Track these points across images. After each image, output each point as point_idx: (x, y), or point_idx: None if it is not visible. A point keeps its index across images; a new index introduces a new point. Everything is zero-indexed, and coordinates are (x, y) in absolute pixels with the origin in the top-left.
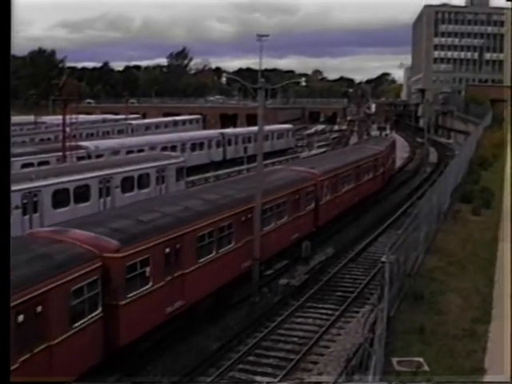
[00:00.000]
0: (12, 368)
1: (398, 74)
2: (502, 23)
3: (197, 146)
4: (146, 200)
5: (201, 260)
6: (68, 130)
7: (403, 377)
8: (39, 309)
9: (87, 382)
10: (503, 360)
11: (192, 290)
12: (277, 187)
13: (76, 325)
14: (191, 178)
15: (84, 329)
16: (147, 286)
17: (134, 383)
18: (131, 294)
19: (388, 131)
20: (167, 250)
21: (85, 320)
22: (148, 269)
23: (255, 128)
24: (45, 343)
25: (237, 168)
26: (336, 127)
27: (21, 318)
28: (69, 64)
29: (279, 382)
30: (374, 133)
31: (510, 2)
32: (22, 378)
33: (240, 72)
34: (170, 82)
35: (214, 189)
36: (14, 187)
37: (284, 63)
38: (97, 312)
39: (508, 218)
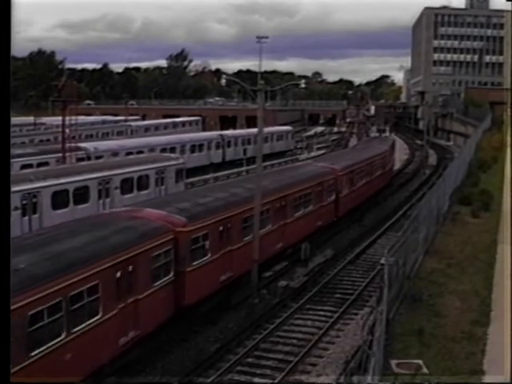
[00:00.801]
0: (111, 314)
1: (398, 77)
2: (501, 26)
3: (196, 147)
4: (199, 188)
5: (245, 239)
6: (67, 131)
7: (402, 378)
8: (130, 268)
9: (87, 382)
10: (503, 360)
11: (238, 264)
12: (305, 179)
13: (155, 284)
14: (190, 180)
15: (161, 288)
16: (206, 257)
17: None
18: (195, 263)
19: (387, 133)
20: (221, 227)
21: (162, 281)
22: (207, 243)
23: (254, 130)
24: (134, 296)
25: (236, 170)
26: (335, 129)
27: (118, 274)
28: (68, 65)
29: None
30: (373, 135)
31: (509, 4)
32: (21, 378)
33: (239, 74)
34: (170, 83)
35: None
36: (13, 188)
37: (284, 65)
38: (170, 276)
39: (508, 220)
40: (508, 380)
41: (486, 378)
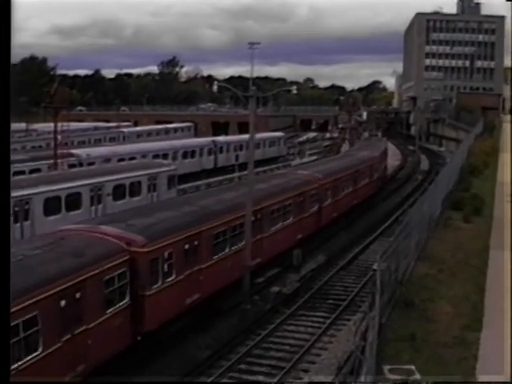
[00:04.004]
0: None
1: (390, 82)
2: (493, 31)
3: (188, 153)
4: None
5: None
6: (59, 137)
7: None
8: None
9: (87, 382)
10: (503, 360)
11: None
12: (363, 160)
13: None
14: (182, 186)
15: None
16: (289, 221)
17: (134, 383)
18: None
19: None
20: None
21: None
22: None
23: (246, 136)
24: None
25: (228, 176)
26: (327, 135)
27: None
28: (60, 71)
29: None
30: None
31: (503, 9)
32: (21, 377)
33: (231, 80)
34: (161, 89)
35: (332, 161)
36: None
37: (275, 71)
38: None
39: (508, 225)
40: (508, 379)
41: (487, 377)
